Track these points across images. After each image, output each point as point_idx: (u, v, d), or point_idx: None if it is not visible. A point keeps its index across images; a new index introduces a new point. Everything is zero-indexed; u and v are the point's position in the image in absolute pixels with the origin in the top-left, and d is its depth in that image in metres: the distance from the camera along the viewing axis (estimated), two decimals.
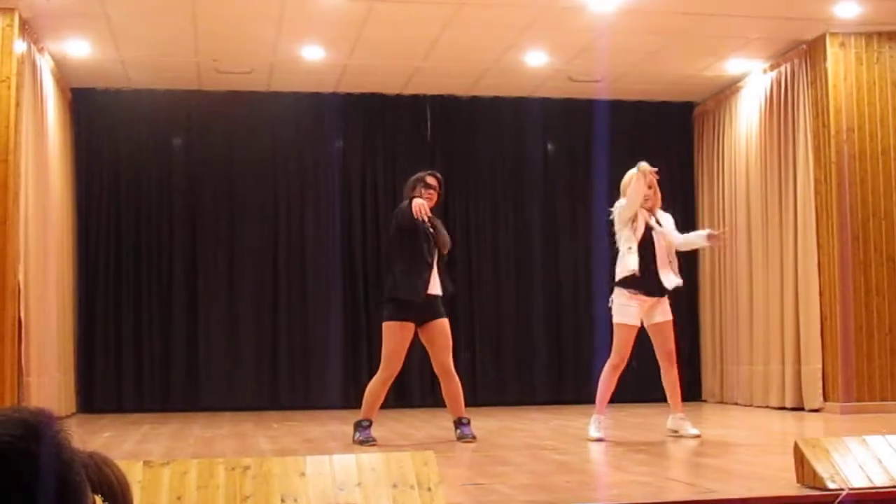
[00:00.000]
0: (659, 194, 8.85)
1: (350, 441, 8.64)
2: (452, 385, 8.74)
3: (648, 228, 8.65)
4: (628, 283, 8.58)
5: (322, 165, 13.89)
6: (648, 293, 8.60)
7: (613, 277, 8.74)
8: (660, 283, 8.60)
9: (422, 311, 8.57)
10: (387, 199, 13.93)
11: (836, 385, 11.25)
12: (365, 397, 8.70)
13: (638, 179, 8.61)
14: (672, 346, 8.81)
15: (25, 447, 1.49)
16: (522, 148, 14.23)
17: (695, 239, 9.22)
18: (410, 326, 8.57)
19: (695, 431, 8.65)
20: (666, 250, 8.67)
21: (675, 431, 8.80)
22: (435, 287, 8.65)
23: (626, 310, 8.61)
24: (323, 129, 13.86)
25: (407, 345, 8.61)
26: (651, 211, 8.75)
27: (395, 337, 8.56)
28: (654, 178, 8.79)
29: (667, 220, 8.85)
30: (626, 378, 13.24)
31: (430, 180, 8.91)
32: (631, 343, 8.71)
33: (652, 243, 8.62)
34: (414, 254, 8.67)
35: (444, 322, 8.69)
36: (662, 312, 8.73)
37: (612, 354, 8.75)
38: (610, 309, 8.75)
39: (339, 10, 10.73)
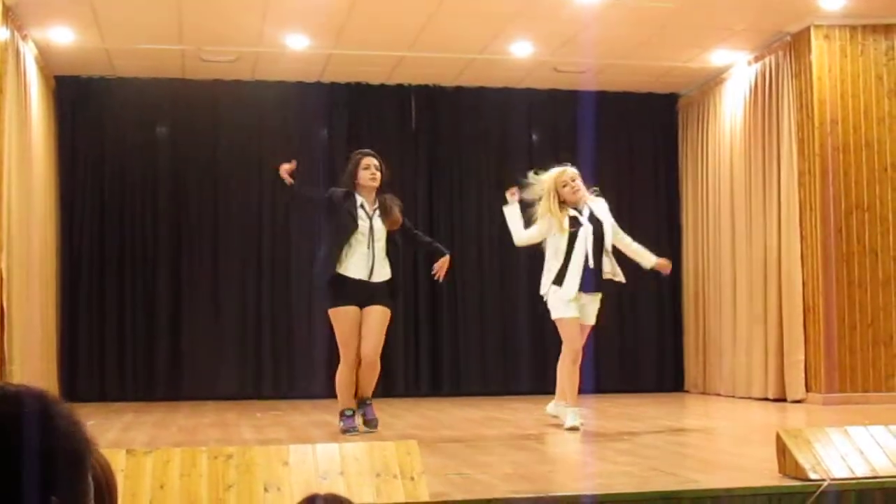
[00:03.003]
0: (582, 189, 8.70)
1: (334, 431, 8.65)
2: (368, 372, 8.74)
3: (574, 226, 8.60)
4: (557, 279, 8.61)
5: (307, 154, 13.83)
6: (579, 289, 8.56)
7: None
8: (589, 279, 8.53)
9: (359, 295, 8.53)
10: None
11: (818, 376, 11.29)
12: (336, 388, 8.70)
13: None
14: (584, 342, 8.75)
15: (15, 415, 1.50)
16: (507, 138, 14.23)
17: (642, 257, 9.05)
18: (350, 310, 8.52)
19: (574, 423, 8.56)
20: (594, 247, 8.57)
21: (557, 417, 8.78)
22: (377, 273, 8.59)
23: (559, 304, 8.60)
24: (307, 118, 13.83)
25: (353, 328, 8.54)
26: (577, 206, 8.68)
27: (337, 323, 8.58)
28: (574, 175, 8.70)
29: (599, 207, 8.75)
30: (609, 369, 13.34)
31: (368, 161, 8.77)
32: (579, 333, 8.66)
33: (575, 241, 8.57)
34: (336, 236, 8.62)
35: (379, 310, 8.60)
36: (589, 315, 8.67)
37: (564, 349, 8.71)
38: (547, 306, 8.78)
39: None
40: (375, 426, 8.62)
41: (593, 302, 8.65)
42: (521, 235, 8.85)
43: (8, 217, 10.33)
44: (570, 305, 8.55)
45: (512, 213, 8.88)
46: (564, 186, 8.60)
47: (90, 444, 1.59)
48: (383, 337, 8.70)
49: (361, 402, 8.74)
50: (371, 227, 8.59)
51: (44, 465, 1.48)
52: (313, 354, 13.35)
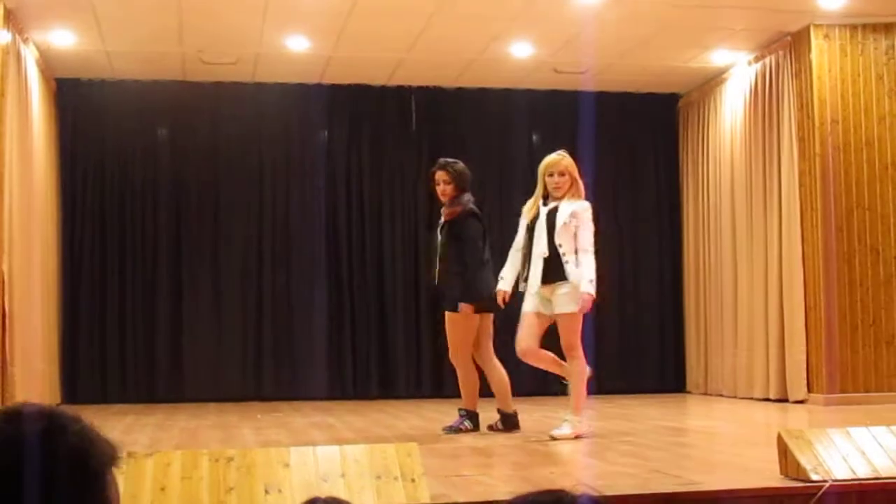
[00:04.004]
0: (565, 188, 8.26)
1: (334, 432, 8.65)
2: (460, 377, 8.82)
3: (536, 217, 8.28)
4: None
5: (307, 156, 13.87)
6: (541, 282, 8.22)
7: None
8: (547, 270, 8.14)
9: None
10: (372, 190, 13.91)
11: (820, 376, 11.28)
12: None
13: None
14: (565, 339, 8.25)
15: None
16: (508, 139, 14.21)
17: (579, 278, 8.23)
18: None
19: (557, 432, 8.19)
20: (547, 238, 8.16)
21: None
22: (440, 277, 8.87)
23: (525, 297, 8.34)
24: (308, 120, 13.84)
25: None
26: (556, 199, 8.26)
27: None
28: (562, 169, 8.30)
29: (567, 206, 8.22)
30: (611, 369, 13.32)
31: (437, 175, 8.98)
32: (528, 327, 8.29)
33: (534, 233, 8.26)
34: None
35: (447, 315, 8.80)
36: (556, 305, 8.17)
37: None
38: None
39: (324, 1, 10.71)
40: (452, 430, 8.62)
41: (557, 293, 8.15)
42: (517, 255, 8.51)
43: (9, 219, 10.34)
44: (528, 298, 8.31)
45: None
46: (550, 176, 8.32)
47: (108, 458, 1.60)
48: (452, 341, 8.80)
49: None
50: (438, 235, 8.92)
51: (51, 482, 1.49)
52: (314, 356, 13.37)
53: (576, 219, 8.21)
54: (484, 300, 8.62)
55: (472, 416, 8.73)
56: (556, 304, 8.17)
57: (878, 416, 8.49)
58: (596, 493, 1.80)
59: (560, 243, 8.12)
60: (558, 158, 8.41)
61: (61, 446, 1.52)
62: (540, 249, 8.19)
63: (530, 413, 10.51)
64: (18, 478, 1.47)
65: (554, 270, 8.15)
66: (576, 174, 8.38)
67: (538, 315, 8.28)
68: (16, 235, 10.55)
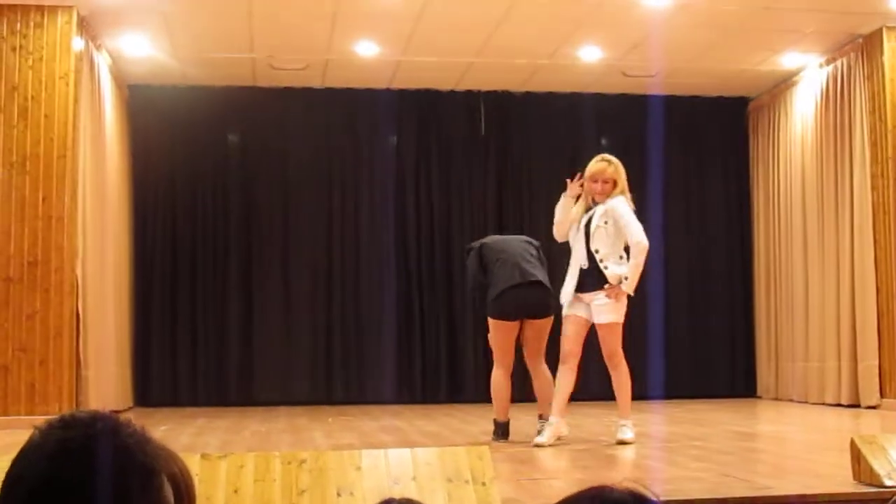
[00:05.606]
0: (605, 185, 8.04)
1: (404, 435, 8.67)
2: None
3: (586, 224, 8.01)
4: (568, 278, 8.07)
5: (376, 161, 13.92)
6: (579, 289, 7.97)
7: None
8: (585, 280, 7.91)
9: None
10: (440, 195, 13.94)
11: (892, 381, 11.16)
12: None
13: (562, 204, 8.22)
14: (609, 347, 7.98)
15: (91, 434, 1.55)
16: (576, 143, 14.18)
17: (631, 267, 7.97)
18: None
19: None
20: (585, 247, 7.96)
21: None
22: None
23: (567, 300, 8.04)
24: (377, 125, 13.90)
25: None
26: (595, 204, 8.07)
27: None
28: (601, 175, 8.08)
29: (597, 213, 8.00)
30: (681, 374, 13.26)
31: None
32: (571, 332, 8.02)
33: (579, 239, 8.02)
34: None
35: None
36: (598, 313, 7.94)
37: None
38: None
39: (393, 7, 10.77)
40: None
41: (596, 302, 7.92)
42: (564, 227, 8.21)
43: (83, 224, 10.49)
44: (568, 304, 8.01)
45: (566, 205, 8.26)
46: (595, 182, 8.07)
47: (161, 458, 1.64)
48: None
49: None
50: None
51: (117, 482, 1.53)
52: (383, 361, 13.41)
53: (610, 217, 7.96)
54: (491, 312, 8.43)
55: (499, 426, 8.61)
56: (595, 314, 7.95)
57: None
58: (646, 492, 1.77)
59: (597, 248, 7.91)
60: (604, 166, 8.14)
61: (113, 447, 1.57)
62: (578, 259, 7.99)
63: (600, 417, 10.49)
64: (73, 480, 1.53)
65: (592, 279, 7.93)
66: (623, 180, 8.13)
67: (579, 318, 8.06)
68: (89, 240, 10.69)
